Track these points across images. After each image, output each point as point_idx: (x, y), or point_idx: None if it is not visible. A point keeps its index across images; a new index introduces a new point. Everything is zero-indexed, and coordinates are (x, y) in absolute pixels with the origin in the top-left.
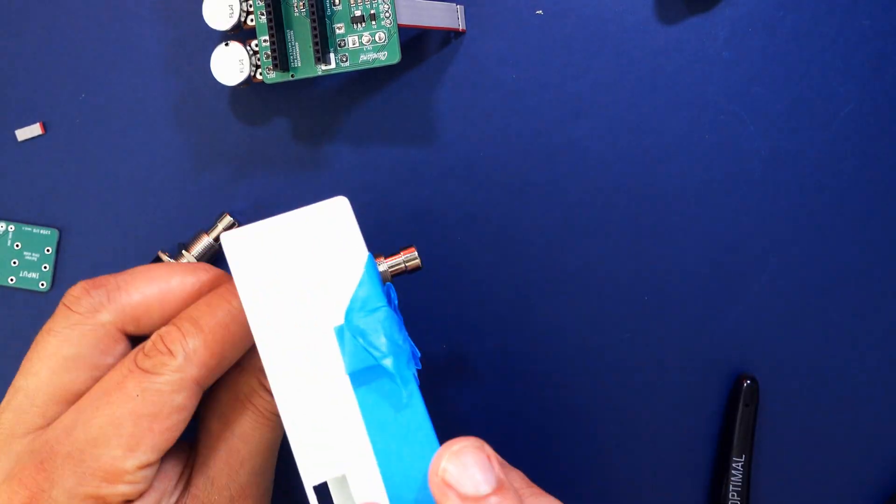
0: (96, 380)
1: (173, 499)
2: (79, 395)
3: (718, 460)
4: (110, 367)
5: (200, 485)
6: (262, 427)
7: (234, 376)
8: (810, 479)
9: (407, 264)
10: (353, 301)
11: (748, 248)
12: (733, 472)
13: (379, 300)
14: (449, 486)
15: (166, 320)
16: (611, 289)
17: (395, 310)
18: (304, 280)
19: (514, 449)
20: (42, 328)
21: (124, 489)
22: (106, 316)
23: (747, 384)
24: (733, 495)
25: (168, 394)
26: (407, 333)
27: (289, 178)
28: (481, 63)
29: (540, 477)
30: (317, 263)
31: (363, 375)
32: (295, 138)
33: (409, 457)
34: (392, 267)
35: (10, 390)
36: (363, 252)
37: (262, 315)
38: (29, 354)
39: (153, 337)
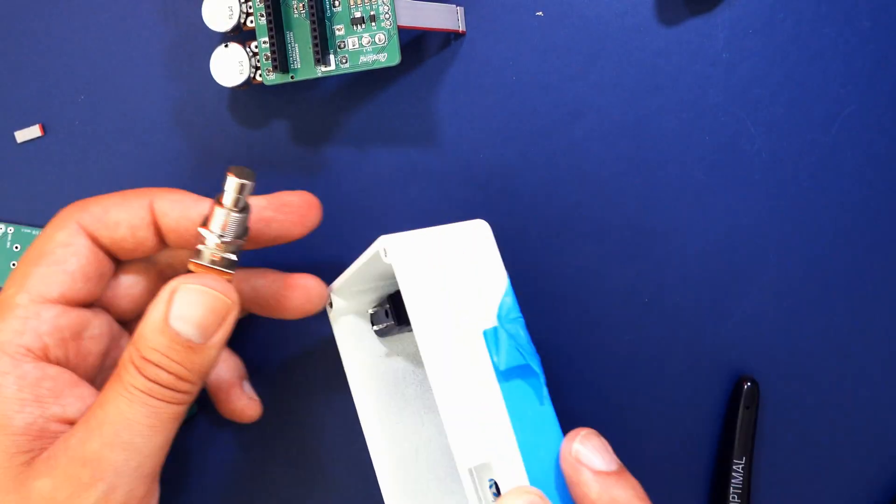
0: None
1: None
2: None
3: (719, 463)
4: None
5: (58, 443)
6: (120, 398)
7: None
8: (811, 482)
9: None
10: (500, 308)
11: (748, 250)
12: (734, 474)
13: (517, 311)
14: (582, 463)
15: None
16: (611, 291)
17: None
18: (456, 285)
19: None
20: None
21: (16, 324)
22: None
23: (748, 386)
24: (734, 498)
25: (51, 233)
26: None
27: (289, 180)
28: (481, 65)
29: None
30: (466, 272)
31: (509, 373)
32: (295, 140)
33: (544, 445)
34: None
35: None
36: (502, 268)
37: (422, 313)
38: None
39: None
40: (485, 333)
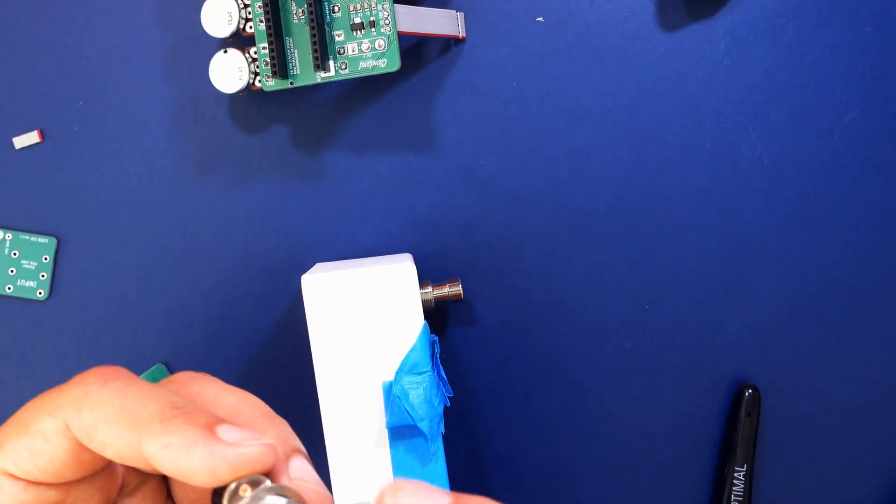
0: None
1: None
2: None
3: (720, 469)
4: None
5: None
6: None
7: None
8: (812, 489)
9: (450, 293)
10: (403, 363)
11: (750, 257)
12: (735, 481)
13: (426, 365)
14: None
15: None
16: (612, 297)
17: (437, 364)
18: (368, 332)
19: (516, 455)
20: None
21: None
22: None
23: (749, 393)
24: None
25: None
26: (445, 381)
27: (288, 186)
28: (481, 70)
29: (542, 484)
30: (383, 319)
31: (399, 429)
32: (294, 146)
33: None
34: (438, 296)
35: None
36: (420, 319)
37: (324, 354)
38: None
39: None
40: (383, 386)
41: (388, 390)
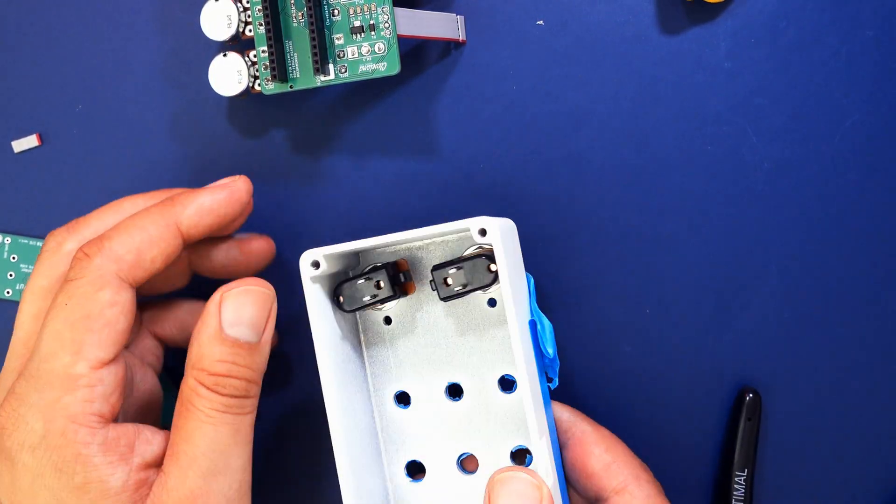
0: None
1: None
2: None
3: (721, 474)
4: None
5: (156, 488)
6: (205, 426)
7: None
8: (813, 494)
9: None
10: (531, 301)
11: (750, 261)
12: (736, 486)
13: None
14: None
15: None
16: (612, 301)
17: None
18: (517, 275)
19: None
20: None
21: (84, 394)
22: (69, 245)
23: (750, 397)
24: None
25: (93, 293)
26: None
27: (287, 190)
28: (481, 74)
29: None
30: (518, 264)
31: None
32: (294, 150)
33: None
34: None
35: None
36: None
37: (512, 297)
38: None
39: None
40: (529, 324)
41: (534, 326)
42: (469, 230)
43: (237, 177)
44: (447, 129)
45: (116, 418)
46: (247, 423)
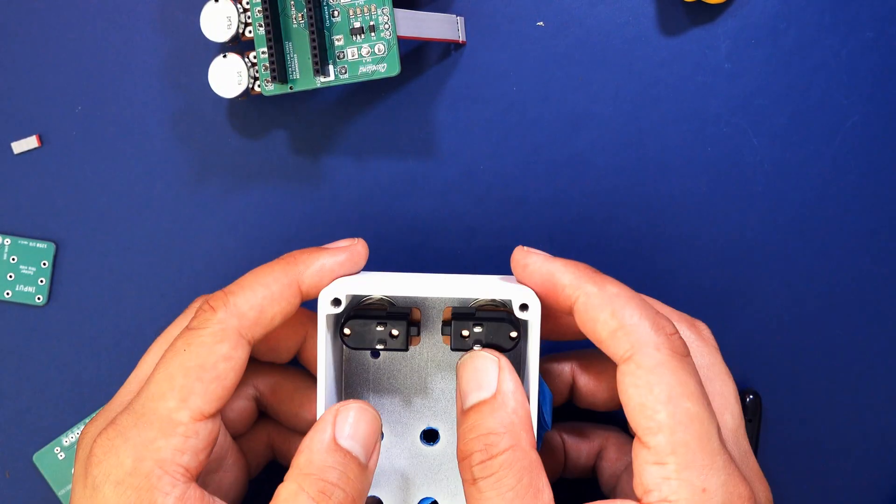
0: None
1: None
2: None
3: None
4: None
5: None
6: None
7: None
8: (813, 495)
9: None
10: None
11: (750, 262)
12: None
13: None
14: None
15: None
16: None
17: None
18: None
19: None
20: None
21: (177, 442)
22: (224, 318)
23: (750, 399)
24: None
25: (211, 345)
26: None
27: (287, 191)
28: (482, 75)
29: None
30: None
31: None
32: (294, 151)
33: None
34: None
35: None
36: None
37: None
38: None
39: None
40: (541, 383)
41: (544, 389)
42: (511, 301)
43: (357, 239)
44: (447, 131)
45: (198, 478)
46: None
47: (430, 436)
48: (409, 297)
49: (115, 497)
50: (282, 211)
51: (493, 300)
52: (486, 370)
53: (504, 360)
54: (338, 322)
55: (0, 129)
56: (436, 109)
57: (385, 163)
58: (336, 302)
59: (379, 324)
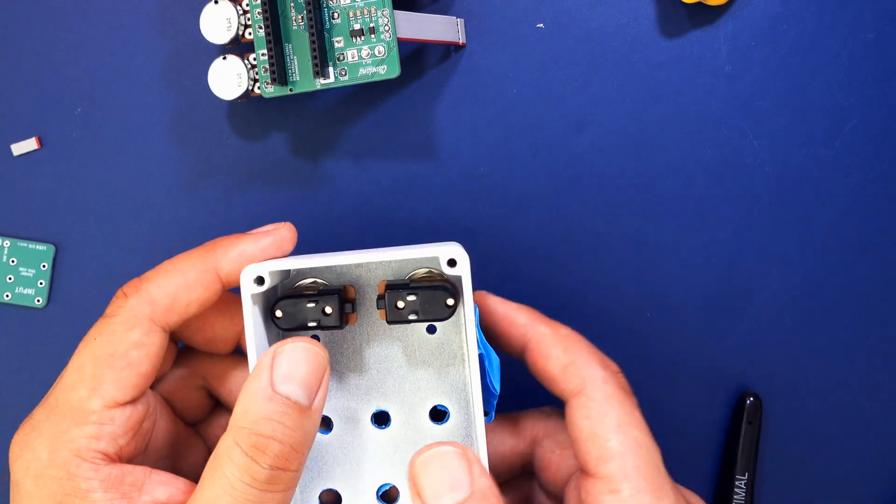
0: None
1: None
2: None
3: (721, 478)
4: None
5: None
6: (225, 497)
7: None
8: (814, 497)
9: None
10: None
11: (752, 264)
12: (736, 490)
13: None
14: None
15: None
16: (612, 305)
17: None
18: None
19: None
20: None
21: (92, 430)
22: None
23: (750, 401)
24: None
25: (122, 332)
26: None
27: (287, 193)
28: (482, 77)
29: None
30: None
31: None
32: (293, 153)
33: None
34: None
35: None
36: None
37: (472, 328)
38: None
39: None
40: (481, 355)
41: (489, 352)
42: (437, 258)
43: (282, 223)
44: (447, 132)
45: (130, 461)
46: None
47: (380, 419)
48: (340, 272)
49: (36, 490)
50: (282, 213)
51: (430, 271)
52: (455, 467)
53: (471, 452)
54: (267, 304)
55: (0, 131)
56: (436, 111)
57: (385, 165)
58: (259, 280)
59: (310, 301)
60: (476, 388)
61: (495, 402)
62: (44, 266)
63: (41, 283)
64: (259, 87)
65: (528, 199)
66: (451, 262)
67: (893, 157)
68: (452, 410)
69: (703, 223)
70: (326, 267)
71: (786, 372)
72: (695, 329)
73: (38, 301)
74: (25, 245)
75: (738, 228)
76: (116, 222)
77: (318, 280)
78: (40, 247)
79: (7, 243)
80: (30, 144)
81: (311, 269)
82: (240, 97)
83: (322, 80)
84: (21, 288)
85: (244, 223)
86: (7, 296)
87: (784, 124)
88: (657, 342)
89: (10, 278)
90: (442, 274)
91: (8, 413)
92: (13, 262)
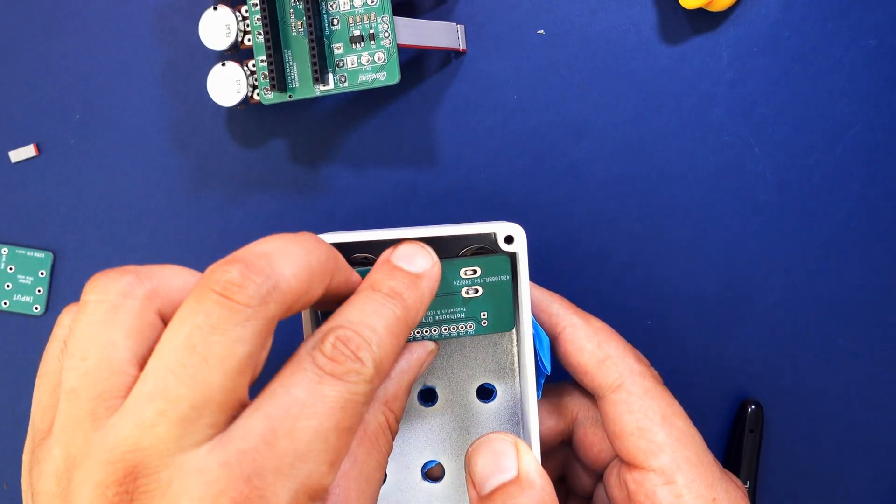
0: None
1: None
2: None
3: None
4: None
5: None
6: (382, 468)
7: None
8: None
9: None
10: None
11: (753, 272)
12: None
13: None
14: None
15: None
16: (613, 312)
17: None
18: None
19: None
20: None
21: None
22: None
23: (752, 409)
24: None
25: (362, 406)
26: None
27: (287, 200)
28: (482, 83)
29: None
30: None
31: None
32: (293, 160)
33: None
34: None
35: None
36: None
37: (528, 313)
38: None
39: (330, 338)
40: (535, 329)
41: (539, 332)
42: (494, 234)
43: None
44: (447, 139)
45: None
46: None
47: (427, 396)
48: (391, 240)
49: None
50: (281, 220)
51: (482, 247)
52: (504, 453)
53: (521, 441)
54: None
55: None
56: (436, 118)
57: (385, 171)
58: None
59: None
60: (530, 366)
61: (542, 382)
62: (42, 273)
63: (39, 291)
64: (258, 94)
65: (528, 205)
66: (509, 239)
67: (895, 163)
68: (499, 389)
69: (705, 231)
70: (380, 241)
71: (787, 380)
72: (696, 337)
73: (37, 309)
74: (23, 252)
75: (740, 236)
76: (115, 229)
77: (369, 256)
78: (38, 254)
79: (5, 251)
80: (28, 151)
81: (366, 241)
82: (239, 104)
83: (322, 87)
84: (19, 295)
85: (243, 230)
86: (5, 303)
87: (786, 131)
88: (658, 350)
89: (8, 286)
90: (491, 247)
91: (6, 422)
92: (11, 269)
